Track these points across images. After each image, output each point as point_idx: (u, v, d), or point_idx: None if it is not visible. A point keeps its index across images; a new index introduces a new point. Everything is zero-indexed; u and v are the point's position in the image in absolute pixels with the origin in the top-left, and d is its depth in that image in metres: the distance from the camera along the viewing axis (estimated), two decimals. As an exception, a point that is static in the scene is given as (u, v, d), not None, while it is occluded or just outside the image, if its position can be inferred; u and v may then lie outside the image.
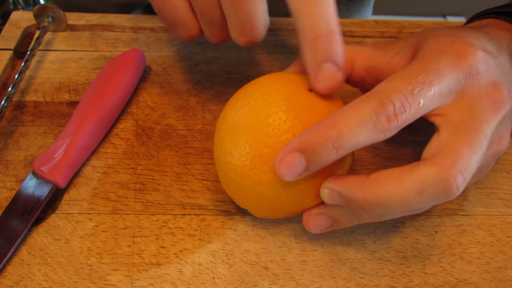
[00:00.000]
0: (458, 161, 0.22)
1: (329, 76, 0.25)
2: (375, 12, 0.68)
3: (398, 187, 0.23)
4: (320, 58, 0.25)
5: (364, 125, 0.22)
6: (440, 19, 1.69)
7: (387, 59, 0.29)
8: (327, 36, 0.24)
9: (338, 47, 0.25)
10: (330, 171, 0.26)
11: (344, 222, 0.27)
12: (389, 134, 0.23)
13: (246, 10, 0.27)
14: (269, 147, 0.25)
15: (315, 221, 0.27)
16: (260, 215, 0.28)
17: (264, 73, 0.40)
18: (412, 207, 0.23)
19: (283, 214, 0.28)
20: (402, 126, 0.23)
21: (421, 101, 0.23)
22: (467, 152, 0.23)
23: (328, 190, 0.25)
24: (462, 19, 1.72)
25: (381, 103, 0.22)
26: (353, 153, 0.28)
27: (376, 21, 0.46)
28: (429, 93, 0.23)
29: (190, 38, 0.32)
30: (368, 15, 0.65)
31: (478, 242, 0.30)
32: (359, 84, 0.31)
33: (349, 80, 0.31)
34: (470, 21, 0.35)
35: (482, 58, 0.25)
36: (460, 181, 0.22)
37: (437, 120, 0.24)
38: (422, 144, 0.35)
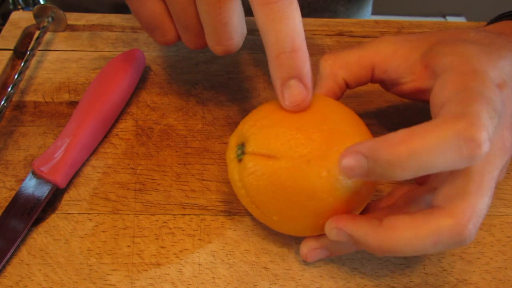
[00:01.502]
0: (474, 214, 0.22)
1: (294, 93, 0.25)
2: (375, 12, 0.68)
3: (414, 237, 0.22)
4: (285, 75, 0.24)
5: (446, 148, 0.20)
6: (440, 19, 1.69)
7: (408, 64, 0.29)
8: (291, 52, 0.24)
9: (303, 64, 0.24)
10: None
11: (343, 251, 0.28)
12: (473, 162, 0.21)
13: (222, 20, 0.27)
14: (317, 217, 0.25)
15: (313, 255, 0.27)
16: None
17: (264, 74, 0.40)
18: (424, 253, 0.23)
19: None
20: (487, 152, 0.21)
21: (494, 128, 0.22)
22: (481, 205, 0.22)
23: (337, 231, 0.24)
24: (462, 19, 1.72)
25: (470, 125, 0.20)
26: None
27: (376, 21, 0.46)
28: (497, 121, 0.22)
29: (167, 43, 0.32)
30: (366, 16, 0.65)
31: (478, 242, 0.30)
32: (377, 82, 0.31)
33: (370, 81, 0.31)
34: (496, 20, 0.33)
35: (500, 97, 0.24)
36: (473, 232, 0.22)
37: None
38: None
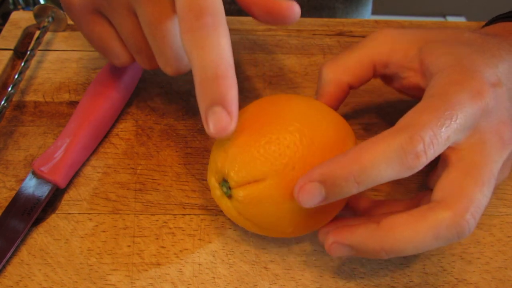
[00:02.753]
0: (471, 204, 0.22)
1: (217, 120, 0.24)
2: (375, 12, 0.68)
3: (414, 233, 0.22)
4: (208, 102, 0.24)
5: (391, 161, 0.22)
6: (440, 19, 1.69)
7: (407, 60, 0.29)
8: (215, 79, 0.23)
9: (227, 90, 0.24)
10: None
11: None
12: (415, 171, 0.22)
13: (167, 42, 0.27)
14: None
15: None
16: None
17: (263, 74, 0.40)
18: (427, 249, 0.23)
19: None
20: (428, 162, 0.23)
21: (448, 136, 0.23)
22: (479, 195, 0.23)
23: (336, 246, 0.24)
24: (462, 19, 1.72)
25: (411, 139, 0.22)
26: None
27: (376, 21, 0.46)
28: (455, 127, 0.23)
29: (123, 65, 0.32)
30: (366, 15, 0.65)
31: (478, 242, 0.30)
32: (378, 77, 0.31)
33: (373, 77, 0.31)
34: (492, 21, 0.34)
35: (494, 95, 0.24)
36: (472, 223, 0.22)
37: (449, 155, 0.24)
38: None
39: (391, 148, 0.22)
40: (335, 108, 0.31)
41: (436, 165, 0.28)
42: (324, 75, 0.30)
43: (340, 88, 0.30)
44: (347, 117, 0.37)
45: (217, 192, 0.27)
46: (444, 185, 0.24)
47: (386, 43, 0.30)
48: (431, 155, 0.22)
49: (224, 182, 0.26)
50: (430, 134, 0.22)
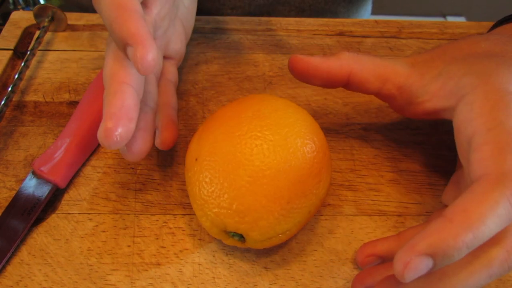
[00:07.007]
0: None
1: (139, 57, 0.24)
2: (375, 12, 0.68)
3: (469, 275, 0.22)
4: (123, 43, 0.25)
5: (501, 218, 0.21)
6: (440, 19, 1.69)
7: (423, 82, 0.28)
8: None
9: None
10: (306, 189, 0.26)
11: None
12: None
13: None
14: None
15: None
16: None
17: (263, 74, 0.40)
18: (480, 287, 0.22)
19: None
20: None
21: None
22: None
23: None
24: (462, 19, 1.72)
25: None
26: (330, 166, 0.28)
27: (376, 21, 0.46)
28: None
29: None
30: (365, 15, 0.65)
31: (478, 242, 0.30)
32: (388, 100, 0.31)
33: (378, 94, 0.31)
34: (496, 26, 0.33)
35: None
36: None
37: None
38: (422, 144, 0.35)
39: (499, 204, 0.21)
40: (321, 82, 0.31)
41: (449, 181, 0.28)
42: (339, 53, 0.30)
43: (342, 69, 0.30)
44: (347, 117, 0.37)
45: (225, 239, 0.27)
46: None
47: (404, 67, 0.30)
48: None
49: (235, 233, 0.26)
50: None
